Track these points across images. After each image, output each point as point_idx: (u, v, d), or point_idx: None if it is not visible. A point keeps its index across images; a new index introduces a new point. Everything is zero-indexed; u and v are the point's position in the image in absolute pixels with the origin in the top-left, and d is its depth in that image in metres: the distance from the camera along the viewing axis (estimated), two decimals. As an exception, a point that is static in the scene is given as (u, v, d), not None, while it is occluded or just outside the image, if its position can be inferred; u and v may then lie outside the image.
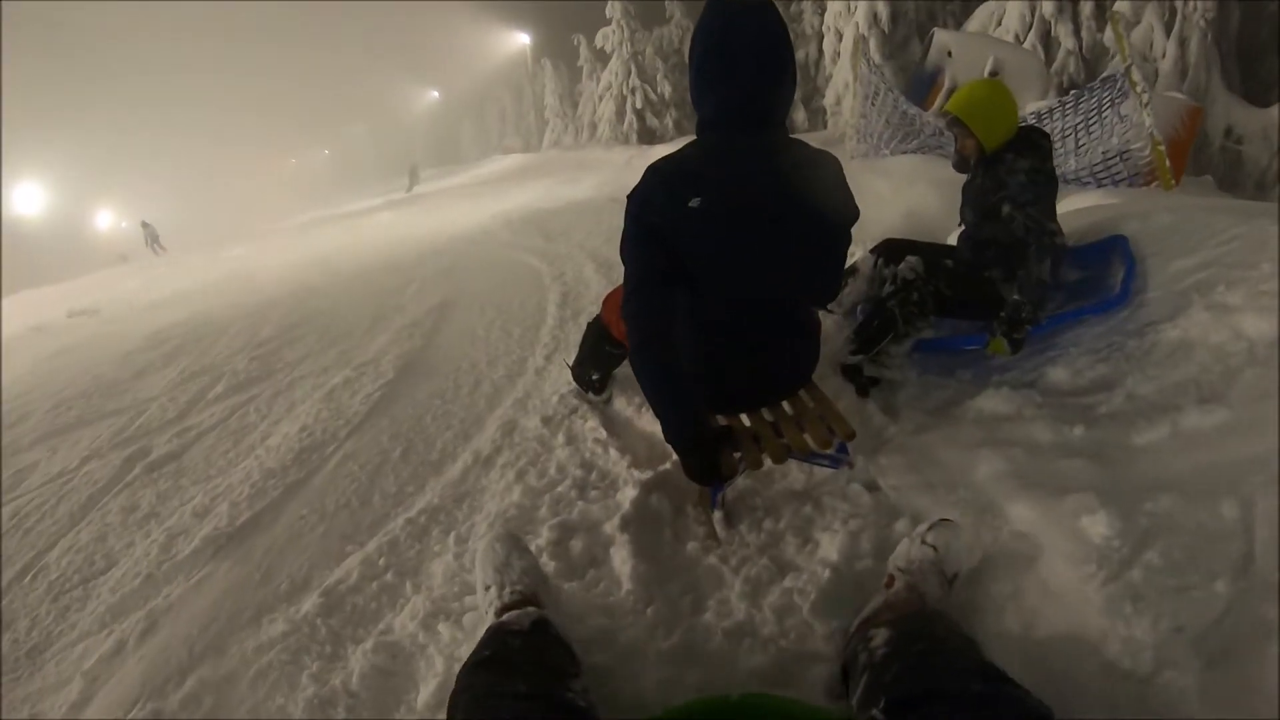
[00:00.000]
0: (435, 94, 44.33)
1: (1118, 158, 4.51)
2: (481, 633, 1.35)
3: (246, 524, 2.47)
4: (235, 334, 5.36)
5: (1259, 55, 10.58)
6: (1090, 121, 4.68)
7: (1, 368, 5.90)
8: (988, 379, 2.32)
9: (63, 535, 2.75)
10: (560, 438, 2.53)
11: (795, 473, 2.04)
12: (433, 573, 1.97)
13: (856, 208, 1.83)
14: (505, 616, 1.38)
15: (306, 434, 3.06)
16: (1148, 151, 4.31)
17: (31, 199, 31.68)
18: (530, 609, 1.40)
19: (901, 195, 4.13)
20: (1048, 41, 11.03)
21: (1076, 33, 10.78)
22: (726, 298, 1.79)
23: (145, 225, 21.31)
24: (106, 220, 34.07)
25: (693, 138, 1.78)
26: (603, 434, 2.41)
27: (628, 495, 2.01)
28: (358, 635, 1.79)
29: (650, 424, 2.40)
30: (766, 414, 1.89)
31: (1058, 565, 1.45)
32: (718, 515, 1.87)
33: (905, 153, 5.23)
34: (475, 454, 2.58)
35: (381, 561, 2.06)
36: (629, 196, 1.72)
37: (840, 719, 1.21)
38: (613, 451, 2.31)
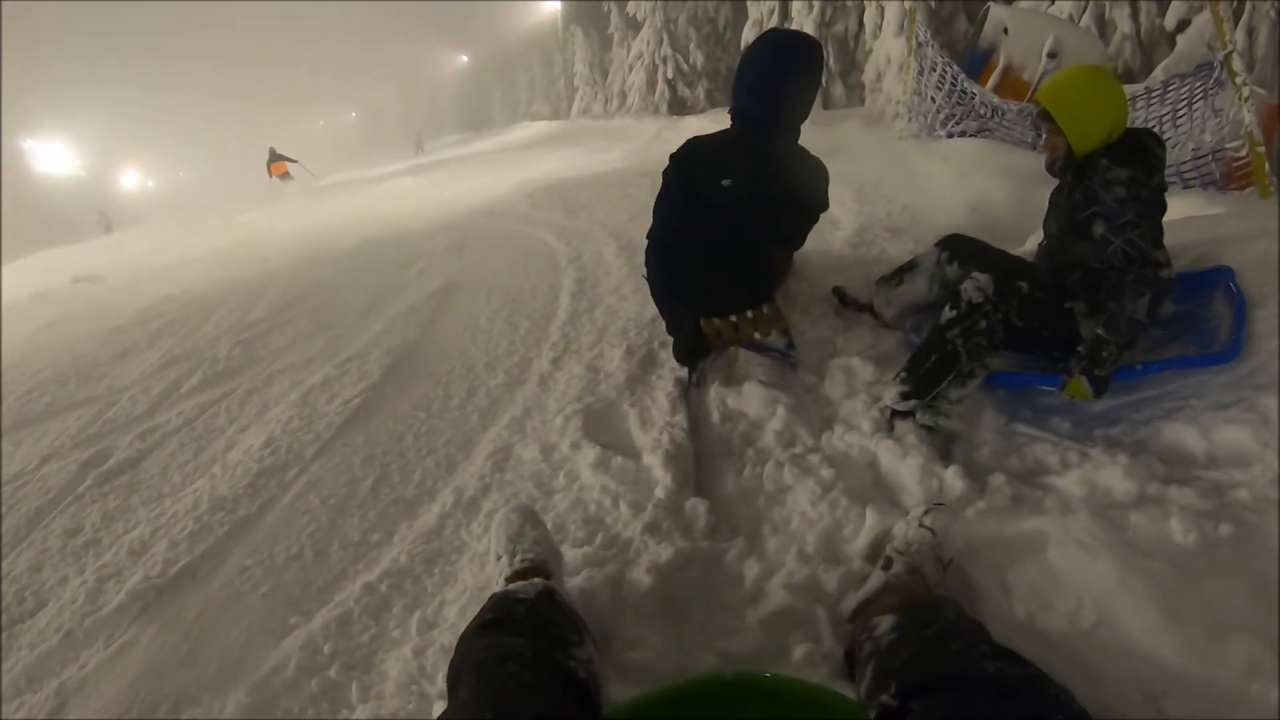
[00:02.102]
0: (464, 58, 43.48)
1: (1209, 157, 3.91)
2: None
3: (182, 573, 2.06)
4: (227, 312, 4.96)
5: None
6: (1179, 114, 4.06)
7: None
8: (1091, 433, 1.84)
9: (2, 557, 2.39)
10: (561, 478, 2.09)
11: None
12: (386, 672, 1.55)
13: (828, 202, 2.67)
14: (512, 585, 1.38)
15: (270, 450, 2.65)
16: (1244, 152, 3.71)
17: (58, 158, 31.61)
18: (538, 579, 1.39)
19: (963, 185, 3.61)
20: (1102, 25, 10.16)
21: (1134, 16, 9.90)
22: (721, 240, 2.36)
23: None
24: (133, 180, 34.00)
25: (723, 109, 2.71)
26: (611, 484, 1.96)
27: (641, 575, 1.56)
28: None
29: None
30: (734, 318, 2.38)
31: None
32: (695, 379, 2.46)
33: (962, 135, 4.65)
34: (457, 493, 2.14)
35: (327, 648, 1.65)
36: (672, 157, 2.38)
37: (832, 697, 1.16)
38: (624, 507, 1.86)
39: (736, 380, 2.28)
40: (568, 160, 10.97)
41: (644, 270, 2.60)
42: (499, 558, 1.54)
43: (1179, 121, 4.04)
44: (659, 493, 1.84)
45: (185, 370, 3.90)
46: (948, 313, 2.01)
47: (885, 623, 1.17)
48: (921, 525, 1.43)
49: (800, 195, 2.47)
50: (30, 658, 1.88)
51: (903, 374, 2.02)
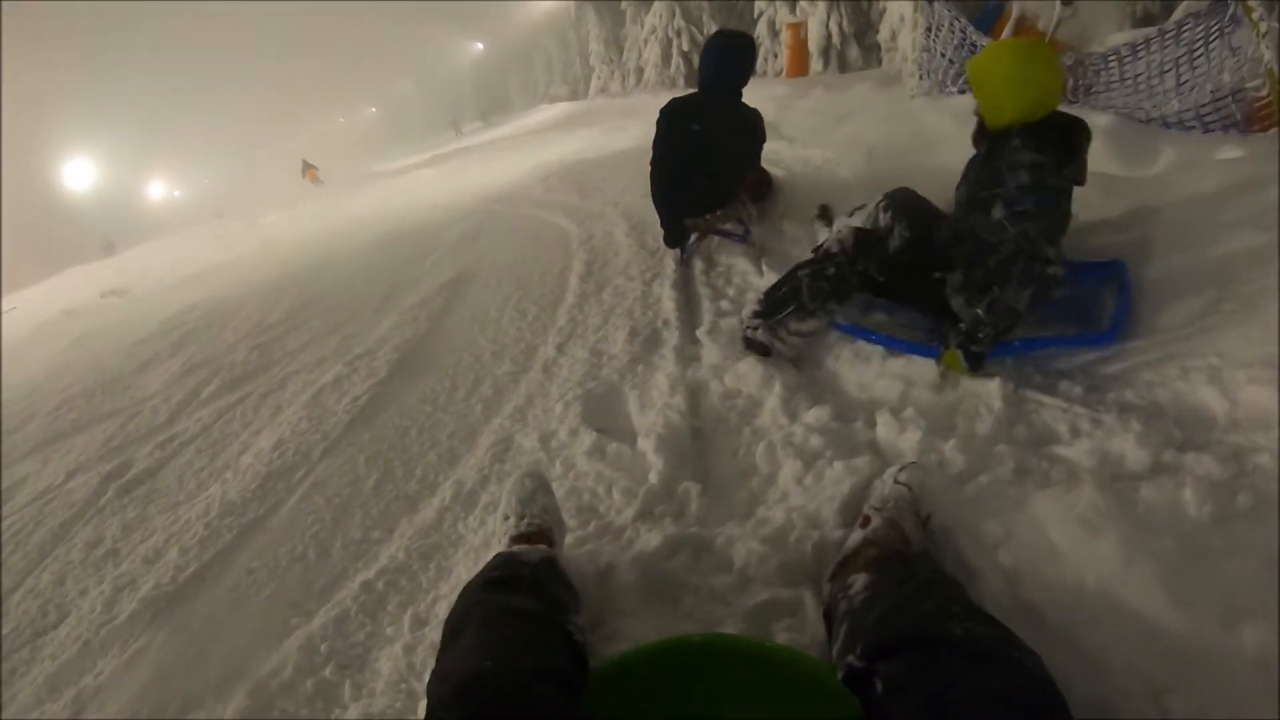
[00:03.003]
0: (479, 46, 43.28)
1: (1230, 98, 3.68)
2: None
3: (191, 580, 2.09)
4: (245, 317, 5.03)
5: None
6: (1195, 54, 3.81)
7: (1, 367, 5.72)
8: (1104, 397, 1.75)
9: (30, 572, 2.47)
10: (558, 466, 2.06)
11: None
12: (379, 670, 1.55)
13: (765, 135, 3.43)
14: (516, 548, 1.41)
15: (279, 452, 2.66)
16: (1265, 91, 3.47)
17: (81, 174, 32.14)
18: (542, 546, 1.42)
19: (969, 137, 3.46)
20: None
21: (1154, -44, 9.43)
22: (694, 165, 3.20)
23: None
24: (159, 191, 34.55)
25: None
26: (606, 470, 1.92)
27: (630, 564, 1.52)
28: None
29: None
30: (707, 216, 3.36)
31: None
32: (685, 256, 3.43)
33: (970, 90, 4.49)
34: (457, 486, 2.12)
35: (324, 648, 1.65)
36: (661, 111, 3.26)
37: (802, 658, 1.14)
38: (616, 494, 1.82)
39: (710, 256, 3.39)
40: (585, 141, 10.85)
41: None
42: (507, 518, 1.57)
43: (1196, 63, 3.79)
44: (652, 478, 1.80)
45: (205, 376, 3.96)
46: (809, 255, 2.25)
47: (859, 581, 1.16)
48: (897, 482, 1.43)
49: (742, 132, 3.34)
50: (51, 668, 1.94)
51: (762, 297, 2.27)
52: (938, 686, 0.90)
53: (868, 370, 2.08)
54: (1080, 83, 4.03)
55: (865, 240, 2.17)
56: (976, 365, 1.90)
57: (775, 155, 4.94)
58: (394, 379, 3.08)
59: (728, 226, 3.43)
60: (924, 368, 2.01)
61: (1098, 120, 3.38)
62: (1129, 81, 3.66)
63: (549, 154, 10.12)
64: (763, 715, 1.12)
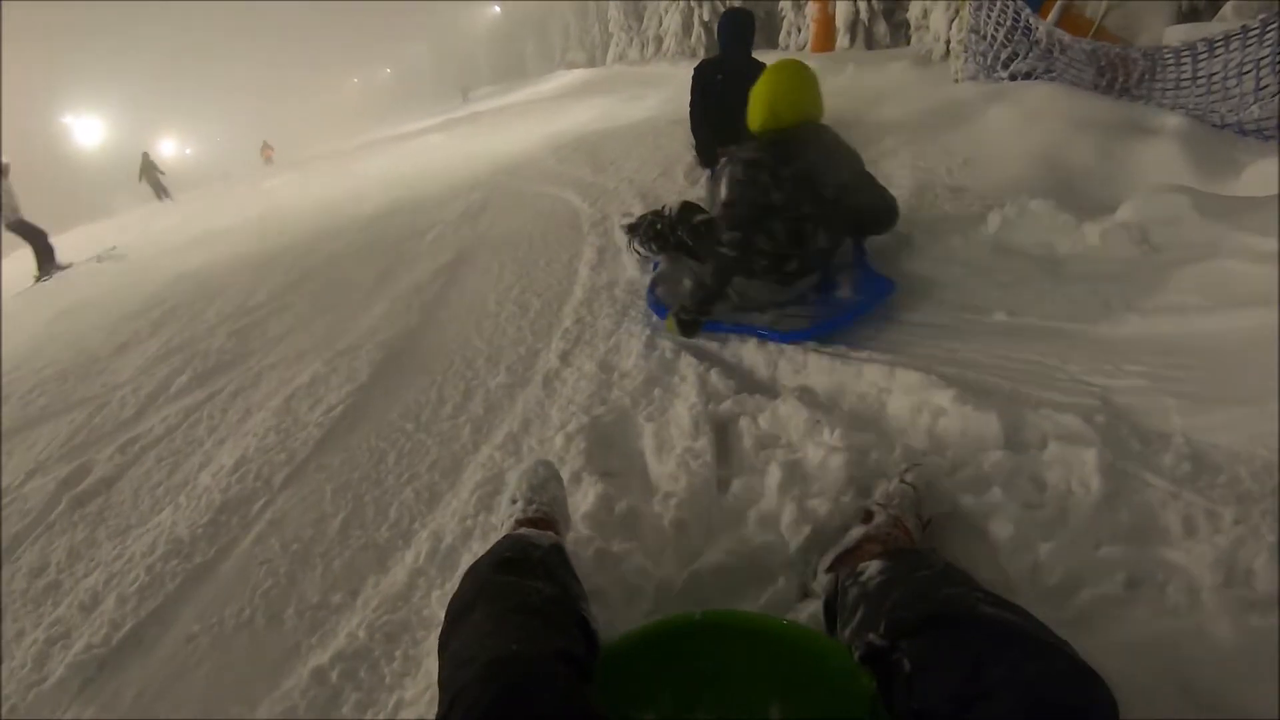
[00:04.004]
0: (496, 8, 42.14)
1: None
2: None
3: (126, 642, 1.75)
4: (232, 295, 4.68)
5: None
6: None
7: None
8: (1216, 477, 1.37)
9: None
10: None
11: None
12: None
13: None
14: (525, 530, 1.37)
15: (239, 475, 2.32)
16: None
17: (91, 132, 31.67)
18: (550, 533, 1.37)
19: (1033, 135, 3.03)
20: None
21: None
22: (720, 106, 3.76)
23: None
24: (169, 148, 34.08)
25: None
26: (611, 545, 1.55)
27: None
28: None
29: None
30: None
31: None
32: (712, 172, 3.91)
33: (1023, 76, 3.97)
34: (434, 540, 1.77)
35: (262, 759, 1.32)
36: (694, 69, 4.06)
37: (808, 633, 1.13)
38: (625, 575, 1.46)
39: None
40: (601, 110, 10.39)
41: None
42: (514, 501, 1.53)
43: (1280, 67, 3.32)
44: (667, 566, 1.44)
45: (179, 364, 3.64)
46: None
47: (873, 566, 1.11)
48: (903, 481, 1.39)
49: (752, 79, 3.40)
50: (-28, 735, 1.63)
51: (635, 220, 3.20)
52: (971, 666, 0.85)
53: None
54: (1131, 76, 3.58)
55: (686, 210, 2.78)
56: (684, 331, 2.36)
57: None
58: (375, 384, 2.73)
59: None
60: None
61: (1167, 121, 2.95)
62: (1202, 81, 3.20)
63: (563, 122, 9.68)
64: (768, 691, 1.10)
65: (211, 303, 4.65)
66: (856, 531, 1.32)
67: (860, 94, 5.39)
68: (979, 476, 1.46)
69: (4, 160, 7.78)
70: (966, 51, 4.49)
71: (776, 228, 2.31)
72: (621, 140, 6.97)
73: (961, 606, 0.94)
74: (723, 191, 2.31)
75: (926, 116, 3.61)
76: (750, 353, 2.24)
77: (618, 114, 9.47)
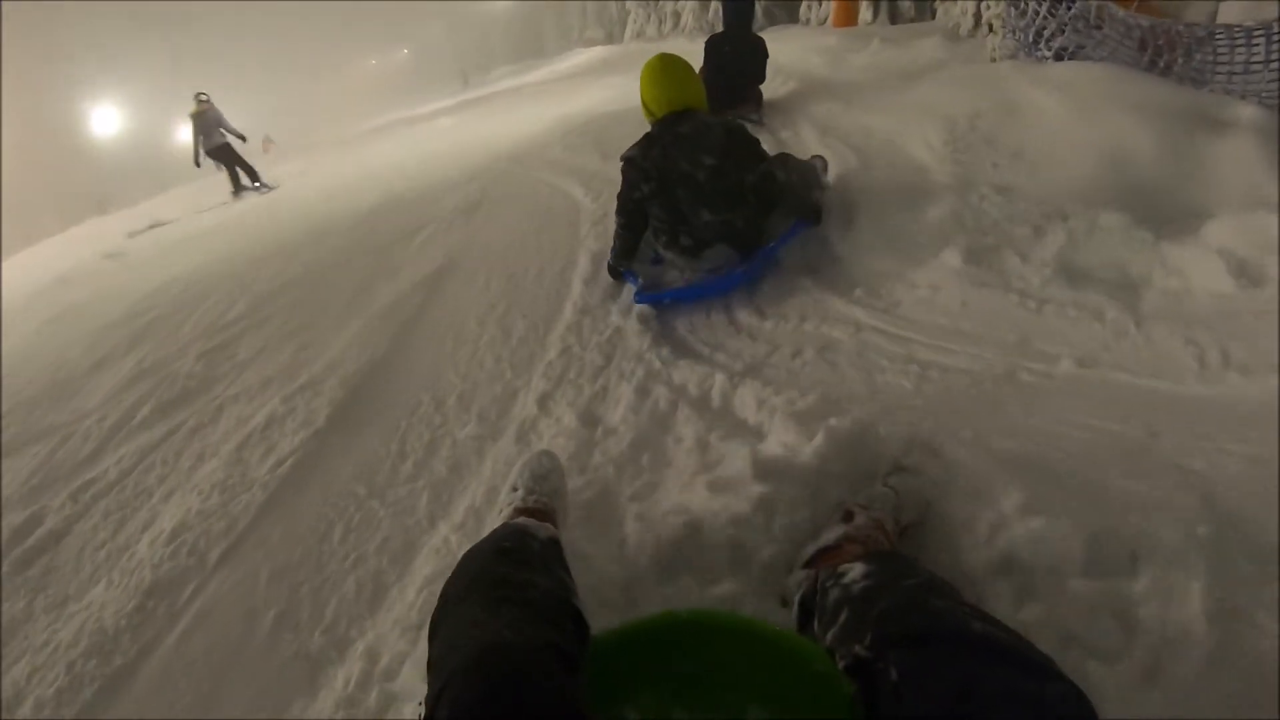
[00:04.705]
0: (514, -13, 41.22)
1: None
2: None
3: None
4: (210, 307, 4.39)
5: None
6: None
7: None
8: None
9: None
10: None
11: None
12: None
13: (768, 52, 5.00)
14: (524, 520, 1.34)
15: (174, 547, 2.03)
16: None
17: (109, 120, 31.55)
18: (549, 525, 1.34)
19: (1090, 125, 2.59)
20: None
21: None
22: (724, 72, 4.81)
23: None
24: (188, 134, 33.74)
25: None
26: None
27: None
28: None
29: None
30: (738, 105, 4.80)
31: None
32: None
33: (1067, 54, 3.51)
34: (370, 658, 1.46)
35: None
36: (705, 42, 4.94)
37: (785, 636, 1.09)
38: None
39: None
40: (615, 90, 9.91)
41: None
42: (515, 489, 1.53)
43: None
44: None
45: (146, 390, 3.38)
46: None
47: (856, 569, 1.07)
48: (885, 485, 1.36)
49: (753, 50, 4.86)
50: None
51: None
52: (962, 681, 0.82)
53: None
54: (1178, 55, 3.13)
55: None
56: (612, 275, 2.93)
57: (829, 120, 4.10)
58: (333, 430, 2.42)
59: (747, 111, 4.74)
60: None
61: (1241, 112, 2.51)
62: (1275, 65, 2.76)
63: (576, 104, 9.26)
64: (747, 692, 1.09)
65: (190, 315, 4.37)
66: (836, 530, 1.27)
67: (888, 73, 4.95)
68: (1052, 615, 1.11)
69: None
70: (1004, 26, 4.02)
71: (656, 210, 2.69)
72: (634, 123, 6.46)
73: (952, 621, 0.91)
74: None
75: (963, 99, 3.17)
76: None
77: (632, 94, 8.90)
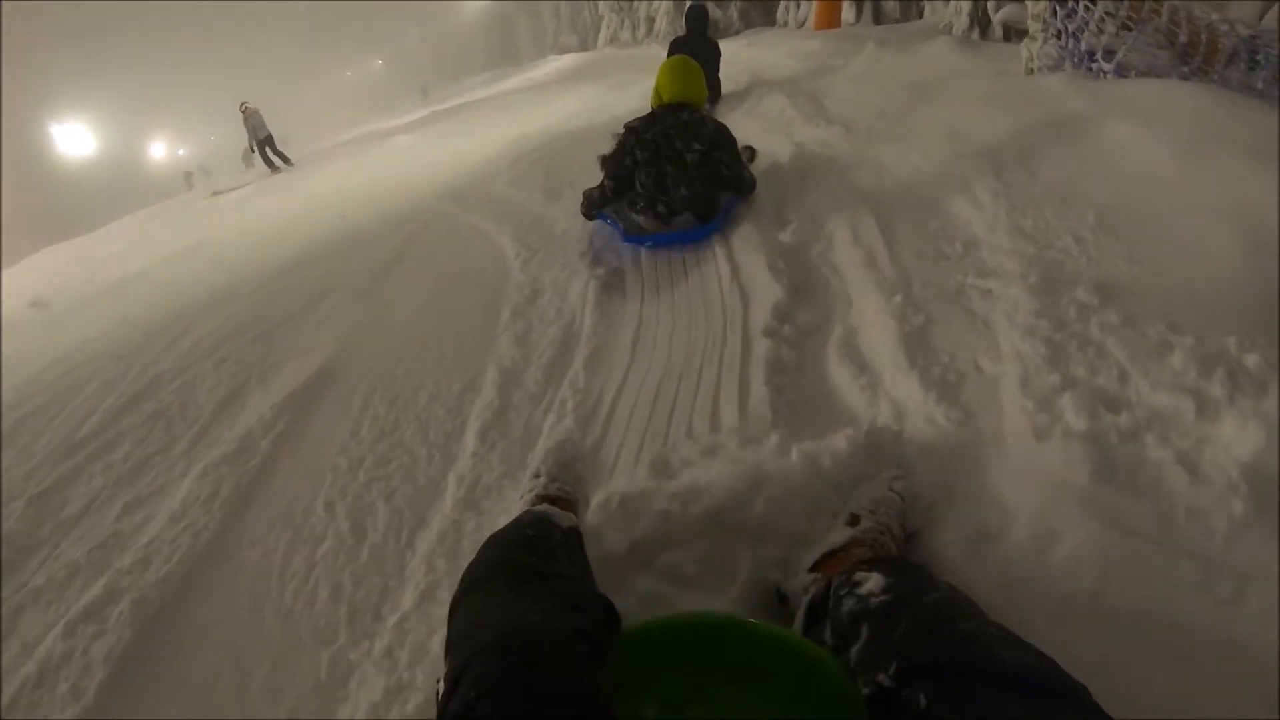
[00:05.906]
0: (487, -7, 40.21)
1: None
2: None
3: None
4: (74, 410, 3.45)
5: None
6: None
7: None
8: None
9: None
10: None
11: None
12: None
13: (720, 52, 6.41)
14: (547, 508, 1.33)
15: None
16: None
17: (79, 140, 30.51)
18: (572, 515, 1.35)
19: (1208, 180, 1.83)
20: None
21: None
22: None
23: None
24: (160, 151, 32.82)
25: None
26: None
27: None
28: None
29: None
30: None
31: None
32: None
33: (1139, 72, 2.74)
34: None
35: None
36: (671, 44, 6.37)
37: (808, 648, 1.08)
38: None
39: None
40: (583, 101, 9.23)
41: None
42: (537, 476, 1.51)
43: None
44: None
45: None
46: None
47: (872, 580, 1.04)
48: (891, 490, 1.35)
49: (709, 49, 6.11)
50: None
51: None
52: (995, 716, 0.78)
53: None
54: (1215, 52, 2.67)
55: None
56: (584, 213, 3.49)
57: (826, 148, 3.36)
58: (112, 701, 1.60)
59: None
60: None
61: None
62: None
63: (538, 119, 8.56)
64: (763, 699, 1.09)
65: (55, 418, 3.43)
66: (842, 533, 1.26)
67: (894, 85, 4.13)
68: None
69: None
70: (1045, 30, 3.18)
71: (644, 178, 3.17)
72: (594, 143, 5.71)
73: (981, 651, 0.86)
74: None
75: (1002, 125, 2.35)
76: None
77: (602, 104, 8.29)
